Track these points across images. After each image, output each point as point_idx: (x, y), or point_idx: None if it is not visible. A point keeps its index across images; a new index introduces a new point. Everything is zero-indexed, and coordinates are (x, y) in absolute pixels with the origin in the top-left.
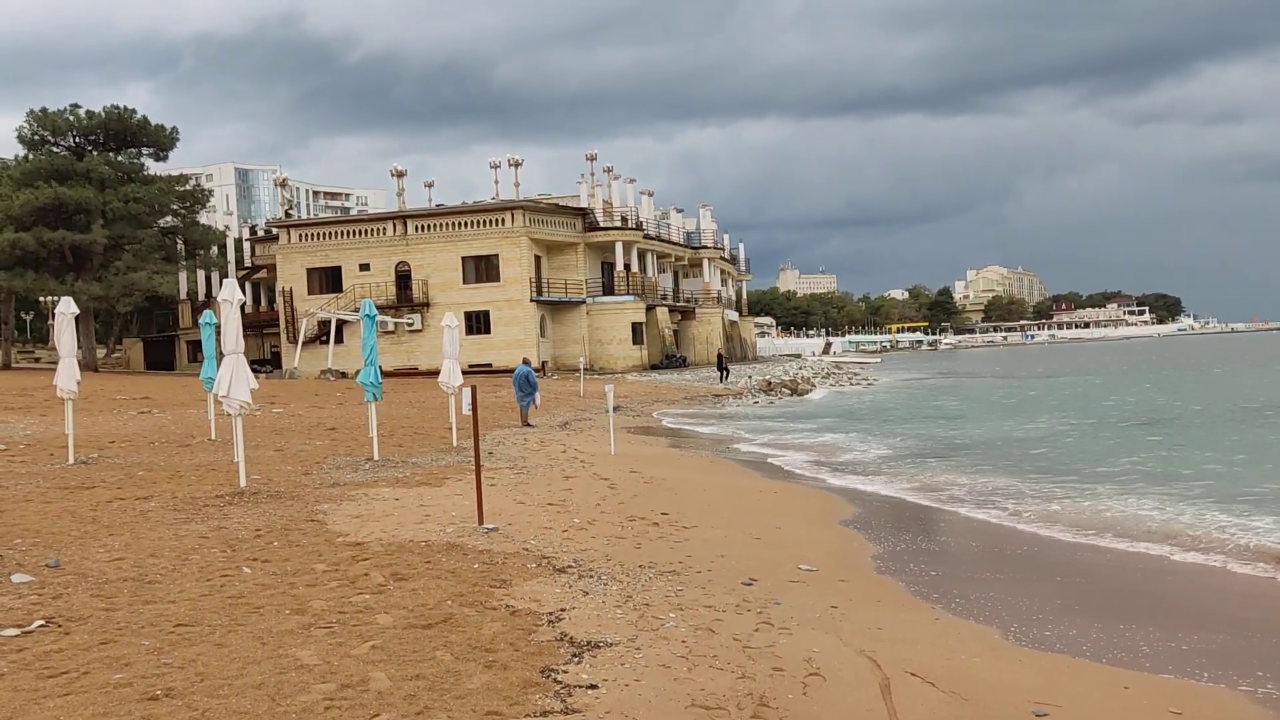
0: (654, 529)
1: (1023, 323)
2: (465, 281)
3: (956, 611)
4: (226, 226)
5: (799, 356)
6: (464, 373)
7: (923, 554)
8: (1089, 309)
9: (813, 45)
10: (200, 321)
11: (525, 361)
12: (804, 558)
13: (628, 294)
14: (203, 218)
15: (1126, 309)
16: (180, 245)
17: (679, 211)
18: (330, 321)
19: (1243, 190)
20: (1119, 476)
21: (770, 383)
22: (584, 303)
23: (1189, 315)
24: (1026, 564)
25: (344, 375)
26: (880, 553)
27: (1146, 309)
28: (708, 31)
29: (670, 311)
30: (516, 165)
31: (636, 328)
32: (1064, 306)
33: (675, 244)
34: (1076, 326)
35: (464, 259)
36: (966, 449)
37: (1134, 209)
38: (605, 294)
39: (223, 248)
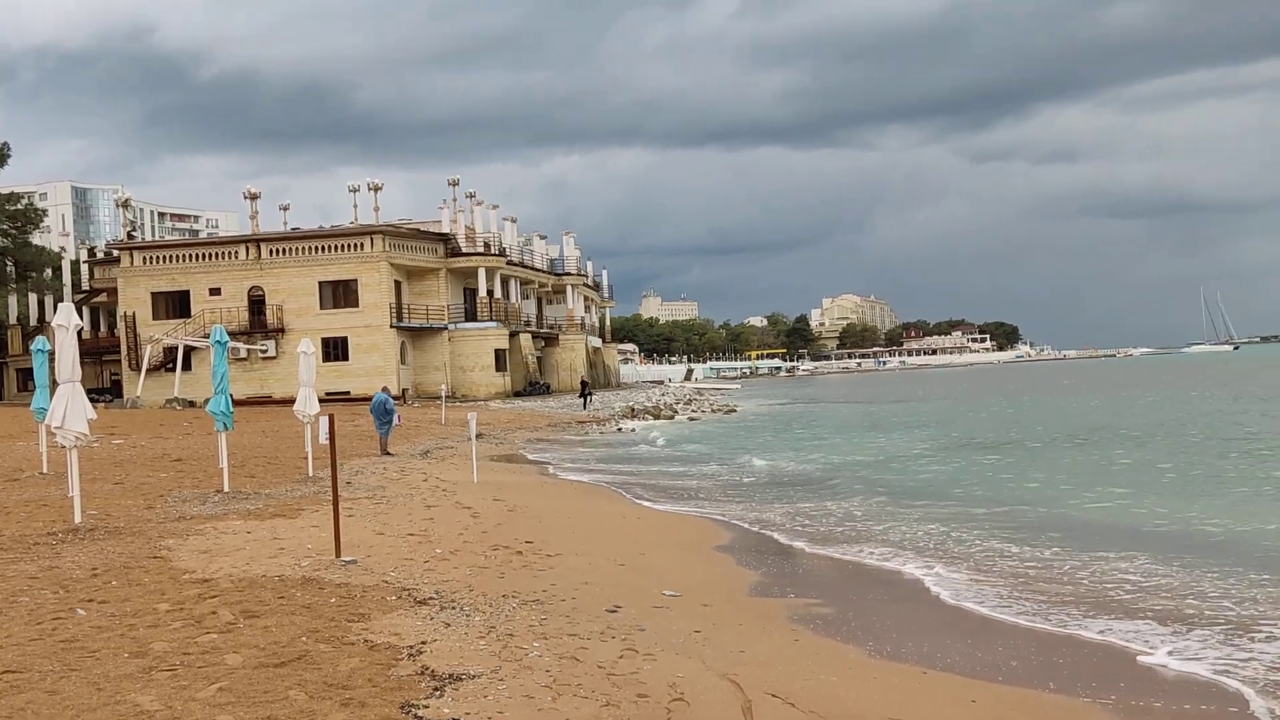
0: (518, 558)
1: (875, 349)
2: (322, 307)
3: (818, 632)
4: (62, 248)
5: (662, 383)
6: (321, 400)
7: (787, 578)
8: (936, 336)
9: (679, 76)
10: (32, 348)
11: (384, 389)
12: (668, 583)
13: (491, 320)
14: (36, 238)
15: (970, 336)
16: (10, 267)
17: (543, 238)
18: (177, 348)
19: (1077, 225)
20: (978, 501)
21: (634, 409)
22: (446, 329)
23: (1026, 343)
24: (886, 585)
25: (192, 404)
26: (744, 576)
27: (988, 336)
28: (578, 59)
29: (534, 338)
30: (376, 189)
31: (500, 354)
32: (913, 333)
33: (539, 270)
34: (925, 353)
35: (321, 284)
36: (839, 471)
37: (978, 241)
38: (468, 320)
39: (58, 270)
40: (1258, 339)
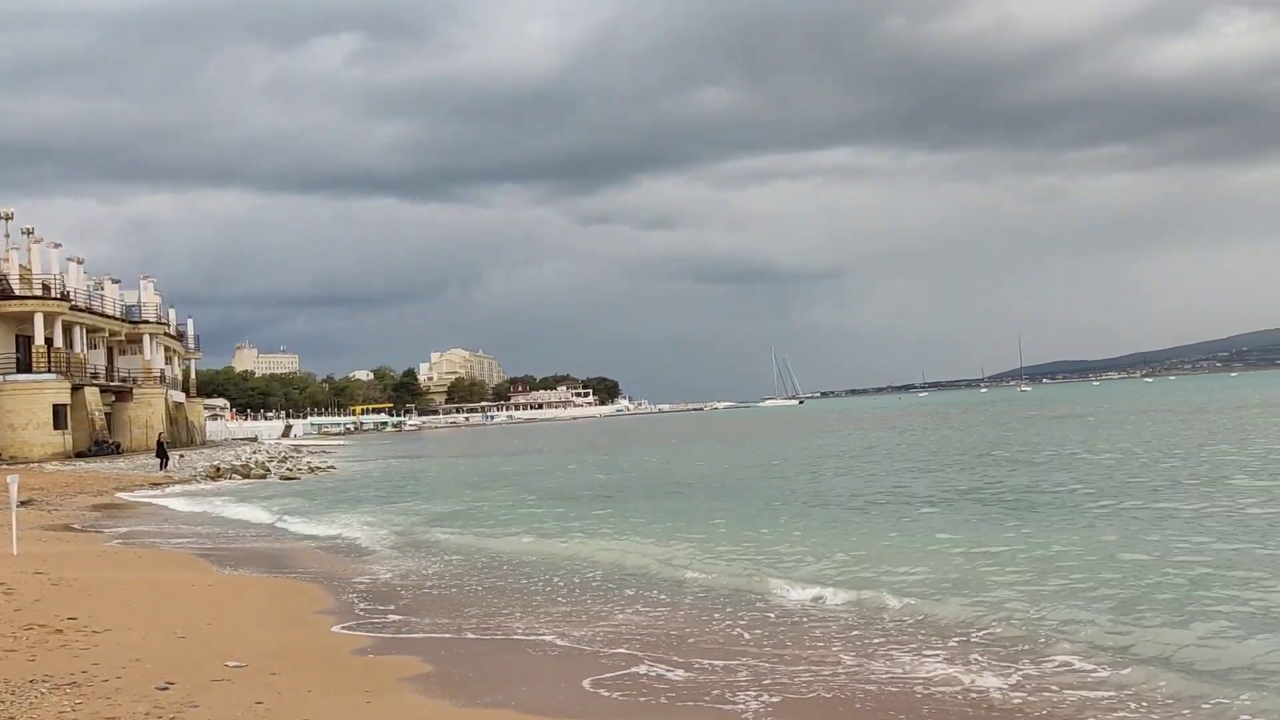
0: (56, 636)
1: (484, 404)
2: None
3: (414, 690)
4: None
5: (255, 439)
6: None
7: (385, 640)
8: (543, 391)
9: (286, 118)
10: None
11: None
12: (237, 654)
13: (49, 372)
14: None
15: (575, 391)
16: None
17: (115, 282)
18: None
19: (673, 288)
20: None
21: (219, 468)
22: None
23: (626, 397)
24: (492, 639)
25: None
26: (333, 640)
27: (591, 391)
28: (169, 91)
29: (103, 392)
30: None
31: (60, 410)
32: (520, 388)
33: (110, 317)
34: (531, 407)
35: None
36: (440, 521)
37: (584, 300)
38: (21, 371)
39: None
40: (819, 394)
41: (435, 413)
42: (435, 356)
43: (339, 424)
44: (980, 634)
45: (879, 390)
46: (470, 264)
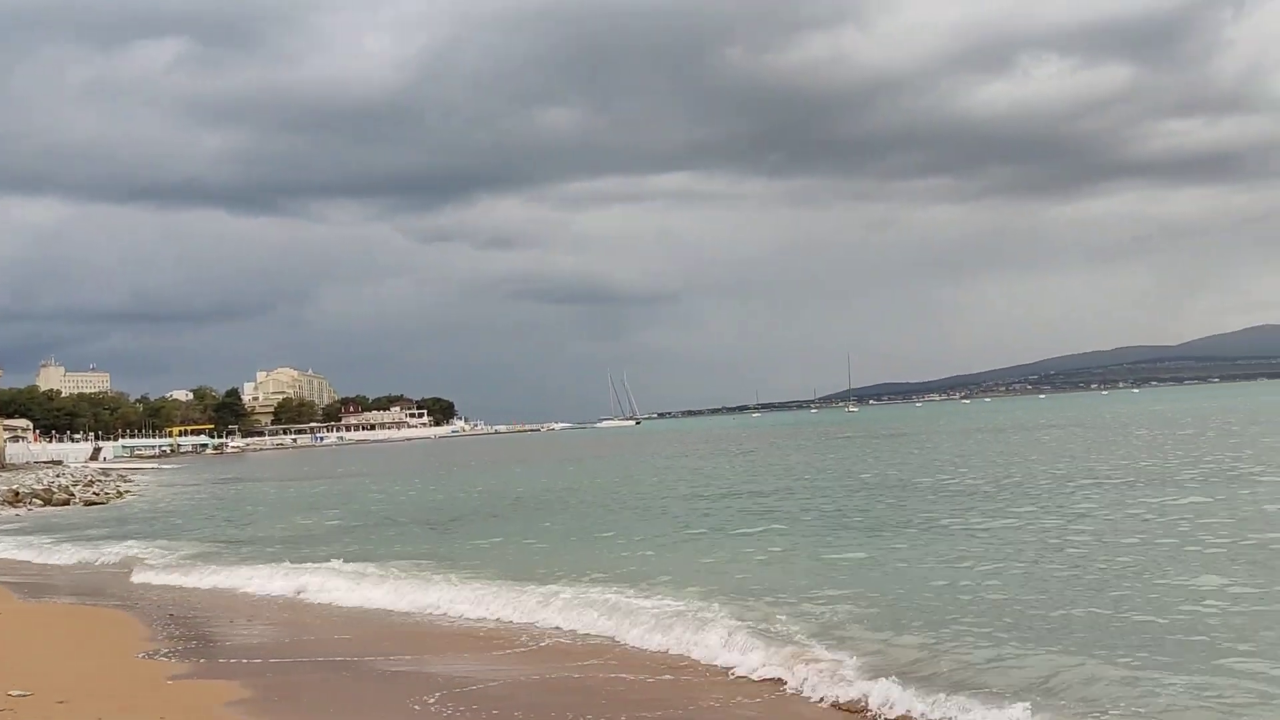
0: None
1: (313, 425)
2: None
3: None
4: None
5: (60, 463)
6: None
7: (199, 665)
8: (375, 411)
9: (105, 125)
10: None
11: None
12: (25, 684)
13: None
14: None
15: (409, 412)
16: None
17: None
18: None
19: (511, 308)
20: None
21: (18, 493)
22: None
23: (462, 418)
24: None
25: None
26: (141, 666)
27: (425, 412)
28: None
29: None
30: None
31: None
32: (352, 409)
33: None
34: (363, 428)
35: None
36: (256, 543)
37: (420, 319)
38: None
39: None
40: (655, 415)
41: (261, 434)
42: (261, 376)
43: (154, 446)
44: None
45: (714, 411)
46: (302, 280)
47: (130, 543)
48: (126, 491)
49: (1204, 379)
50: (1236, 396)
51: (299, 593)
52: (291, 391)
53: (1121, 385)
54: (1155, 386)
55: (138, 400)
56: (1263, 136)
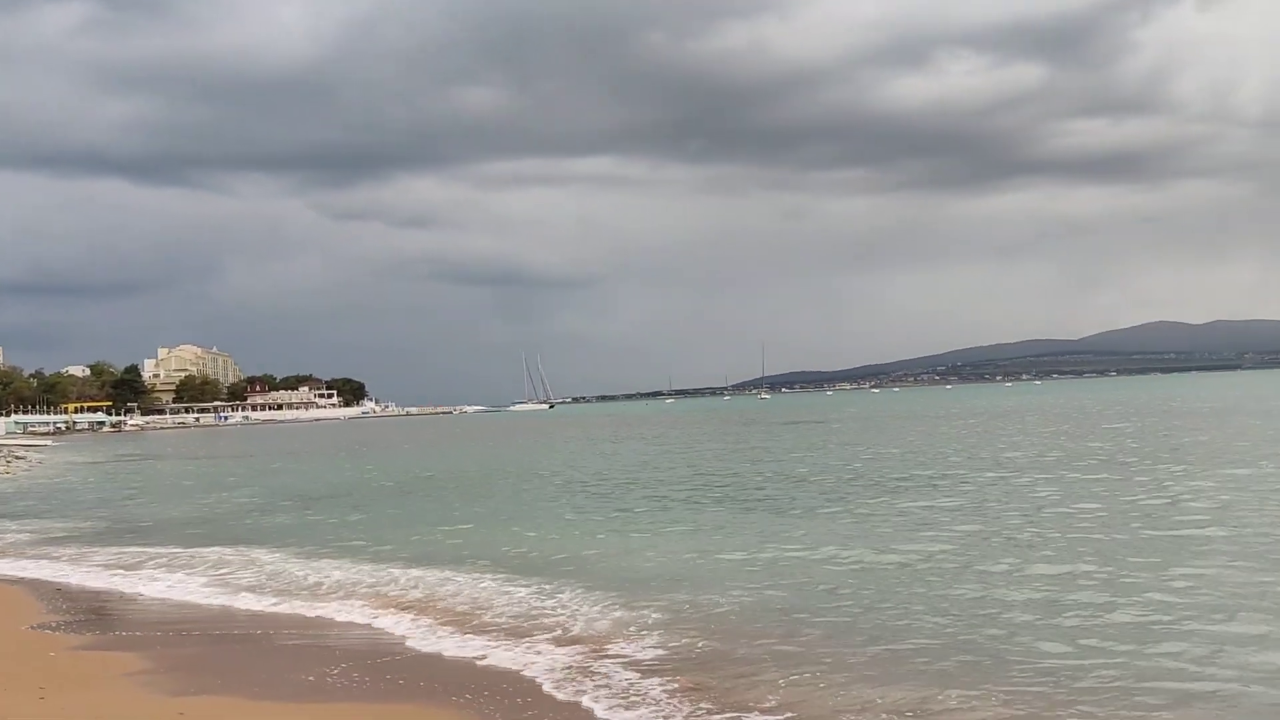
0: None
1: (216, 404)
2: None
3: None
4: None
5: None
6: None
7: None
8: (283, 391)
9: (2, 88)
10: None
11: None
12: None
13: None
14: None
15: (318, 392)
16: None
17: None
18: None
19: (424, 287)
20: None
21: None
22: None
23: (373, 399)
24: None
25: None
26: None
27: (335, 393)
28: None
29: None
30: None
31: None
32: (258, 388)
33: None
34: (270, 408)
35: None
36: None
37: (332, 298)
38: None
39: None
40: (569, 399)
41: (161, 412)
42: (163, 352)
43: (49, 423)
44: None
45: (629, 396)
46: (208, 255)
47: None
48: (19, 468)
49: (1102, 373)
50: (1123, 390)
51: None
52: (194, 369)
53: (1025, 377)
54: (1056, 379)
55: (32, 375)
56: (1162, 139)
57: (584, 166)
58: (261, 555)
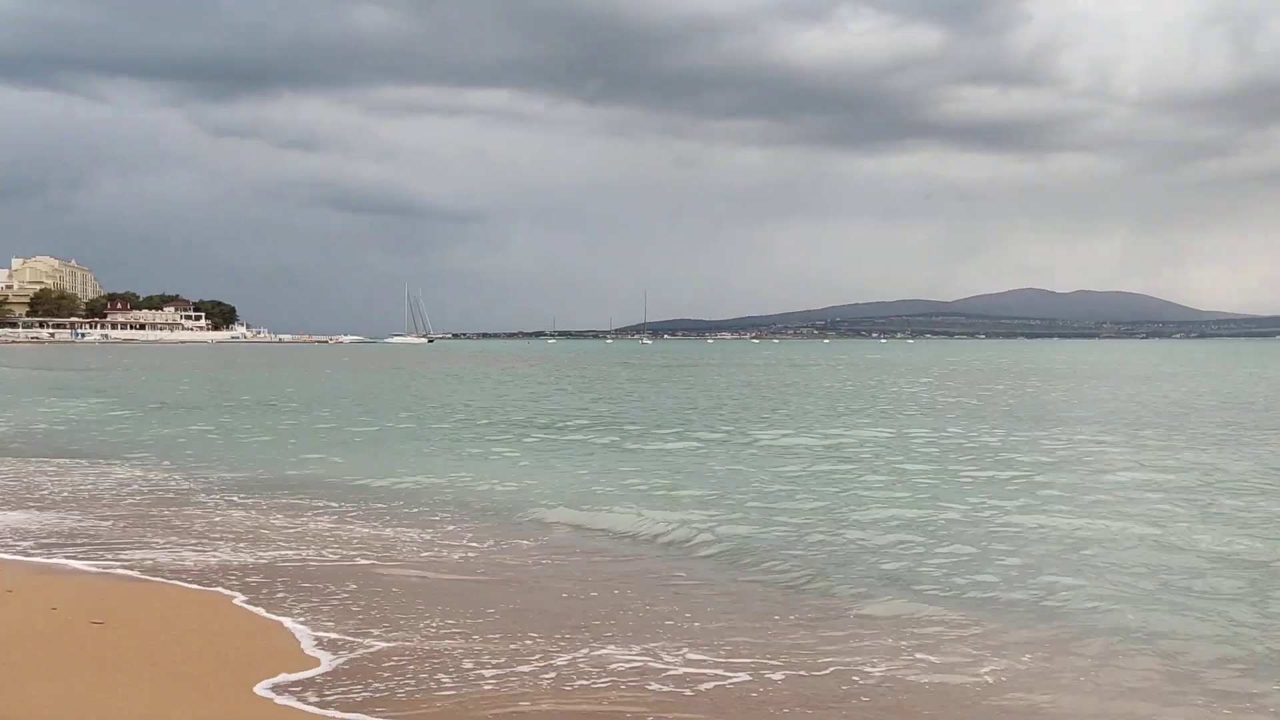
0: None
1: (74, 320)
2: None
3: None
4: None
5: None
6: None
7: None
8: (146, 310)
9: None
10: None
11: None
12: None
13: None
14: None
15: (185, 314)
16: None
17: None
18: None
19: (306, 213)
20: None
21: None
22: None
23: (244, 324)
24: None
25: None
26: None
27: (204, 315)
28: None
29: None
30: None
31: None
32: (120, 306)
33: None
34: (132, 327)
35: None
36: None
37: (205, 216)
38: None
39: None
40: (450, 335)
41: (14, 325)
42: (17, 263)
43: None
44: None
45: (511, 335)
46: (74, 163)
47: None
48: None
49: (972, 335)
50: (985, 351)
51: None
52: (51, 282)
53: (899, 336)
54: (930, 339)
55: None
56: (1046, 110)
57: (480, 99)
58: None
